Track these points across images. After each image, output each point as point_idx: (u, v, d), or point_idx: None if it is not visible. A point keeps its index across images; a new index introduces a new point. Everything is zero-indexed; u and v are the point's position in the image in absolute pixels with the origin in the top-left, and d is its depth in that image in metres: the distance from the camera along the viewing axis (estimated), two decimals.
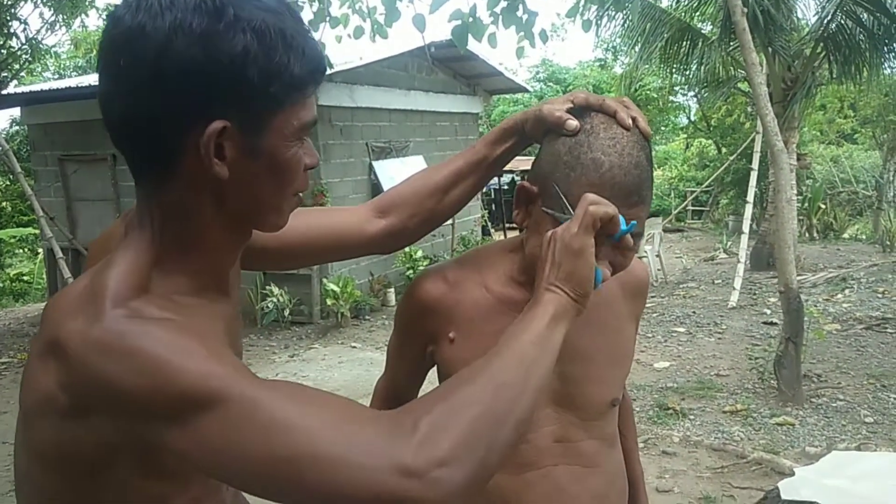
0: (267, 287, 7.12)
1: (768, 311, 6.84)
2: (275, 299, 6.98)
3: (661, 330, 6.41)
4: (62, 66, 16.59)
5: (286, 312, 7.06)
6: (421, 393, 1.27)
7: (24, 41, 7.53)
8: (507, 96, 16.28)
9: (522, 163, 9.54)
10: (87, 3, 7.98)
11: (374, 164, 7.92)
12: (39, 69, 14.69)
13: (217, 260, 0.83)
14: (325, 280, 7.10)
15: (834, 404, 4.43)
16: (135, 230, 0.79)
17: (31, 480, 0.79)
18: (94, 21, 11.99)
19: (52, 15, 7.66)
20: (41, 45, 8.03)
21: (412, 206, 1.11)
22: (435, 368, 1.19)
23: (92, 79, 9.18)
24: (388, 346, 1.26)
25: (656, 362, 5.50)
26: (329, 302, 6.97)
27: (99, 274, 0.74)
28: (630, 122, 0.97)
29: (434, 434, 0.69)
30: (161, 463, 0.72)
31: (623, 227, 0.91)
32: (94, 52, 14.69)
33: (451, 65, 9.24)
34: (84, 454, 0.72)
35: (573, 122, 0.98)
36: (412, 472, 0.66)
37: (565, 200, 0.94)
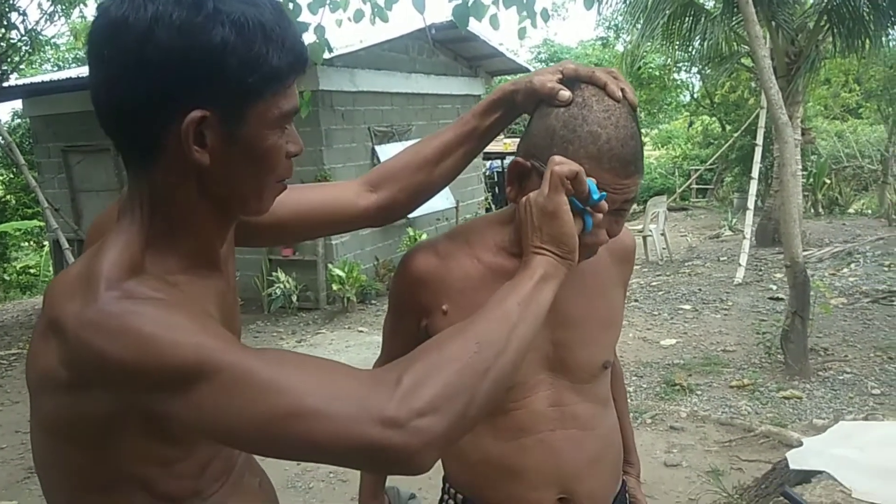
0: (273, 274, 7.15)
1: (774, 287, 6.83)
2: (281, 286, 7.01)
3: (666, 308, 6.42)
4: (62, 57, 16.55)
5: (293, 298, 7.09)
6: None
7: (23, 32, 7.50)
8: (509, 77, 16.21)
9: None
10: None
11: (377, 148, 7.90)
12: (39, 61, 14.67)
13: (205, 241, 0.86)
14: (330, 266, 7.11)
15: (841, 377, 4.44)
16: (126, 214, 0.82)
17: (45, 453, 0.82)
18: (92, 11, 11.94)
19: (51, 5, 7.62)
20: (40, 37, 8.00)
21: (403, 179, 1.12)
22: None
23: None
24: (384, 326, 1.28)
25: (663, 339, 5.51)
26: (335, 287, 6.99)
27: (93, 257, 0.78)
28: (620, 93, 0.99)
29: (415, 387, 0.73)
30: (166, 429, 0.75)
31: (595, 194, 0.93)
32: None
33: (451, 46, 9.19)
34: (90, 423, 0.75)
35: (566, 93, 0.99)
36: (394, 423, 0.70)
37: None
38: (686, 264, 8.41)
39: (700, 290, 6.98)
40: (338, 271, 6.96)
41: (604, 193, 0.94)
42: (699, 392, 4.35)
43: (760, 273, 7.56)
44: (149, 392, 0.70)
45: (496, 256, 1.11)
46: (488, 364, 0.78)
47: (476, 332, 0.81)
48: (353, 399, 0.71)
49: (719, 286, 7.10)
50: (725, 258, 8.50)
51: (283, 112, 0.80)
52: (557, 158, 0.93)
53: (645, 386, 4.52)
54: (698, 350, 5.20)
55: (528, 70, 12.01)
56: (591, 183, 0.92)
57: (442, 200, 8.56)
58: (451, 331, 0.83)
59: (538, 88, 1.01)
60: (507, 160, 13.30)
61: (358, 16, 4.02)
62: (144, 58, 0.73)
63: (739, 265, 7.31)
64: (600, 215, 0.95)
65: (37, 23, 7.65)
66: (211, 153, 0.77)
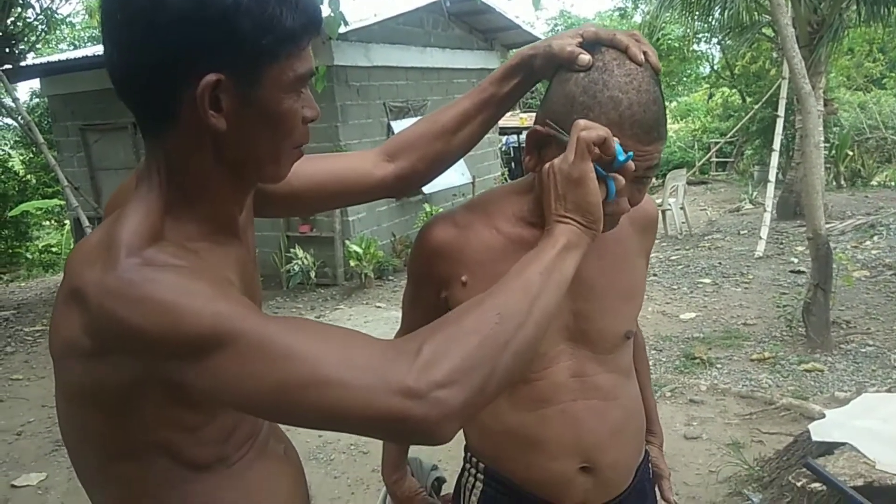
0: (291, 250, 7.17)
1: (795, 260, 6.75)
2: (300, 262, 7.04)
3: (686, 281, 6.37)
4: (77, 36, 16.58)
5: (311, 275, 7.12)
6: None
7: (38, 11, 7.51)
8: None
9: None
10: None
11: (392, 123, 7.86)
12: (55, 40, 14.70)
13: (223, 207, 0.85)
14: (347, 242, 7.13)
15: (863, 350, 4.40)
16: (144, 182, 0.82)
17: (71, 422, 0.82)
18: None
19: None
20: (56, 15, 8.02)
21: (421, 148, 1.11)
22: None
23: None
24: (403, 300, 1.27)
25: (682, 313, 5.48)
26: (352, 263, 7.01)
27: (113, 224, 0.77)
28: (642, 56, 0.96)
29: (435, 358, 0.72)
30: (187, 395, 0.74)
31: (620, 156, 0.90)
32: None
33: (466, 19, 9.08)
34: (113, 390, 0.75)
35: (585, 57, 0.96)
36: (413, 393, 0.70)
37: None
38: (706, 238, 8.33)
39: (720, 263, 6.92)
40: (355, 247, 6.97)
41: (630, 153, 0.91)
42: (719, 365, 4.33)
43: (781, 246, 7.47)
44: (167, 360, 0.70)
45: (515, 226, 1.10)
46: (509, 336, 0.77)
47: (496, 303, 0.80)
48: (373, 369, 0.71)
49: (739, 260, 7.03)
50: (746, 232, 8.41)
51: (299, 75, 0.79)
52: (583, 123, 0.90)
53: (664, 360, 4.50)
54: (718, 324, 5.17)
55: None
56: (616, 145, 0.90)
57: (458, 176, 8.53)
58: (472, 302, 0.82)
59: (557, 53, 0.98)
60: (524, 135, 13.18)
61: None
62: (157, 21, 0.72)
63: (760, 238, 7.23)
64: (623, 181, 0.93)
65: (52, 1, 7.65)
66: (227, 118, 0.76)
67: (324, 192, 1.10)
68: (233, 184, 0.84)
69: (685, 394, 3.95)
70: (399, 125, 7.87)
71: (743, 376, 4.15)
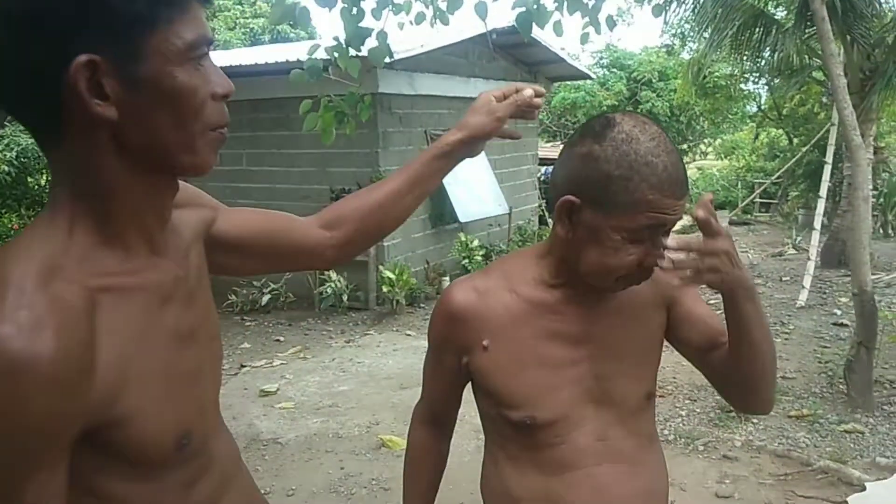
0: (325, 272, 7.21)
1: (839, 312, 6.55)
2: (332, 285, 7.06)
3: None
4: None
5: (343, 298, 7.14)
6: (459, 416, 1.27)
7: None
8: (569, 83, 16.00)
9: None
10: None
11: None
12: None
13: (140, 219, 0.77)
14: (381, 267, 7.14)
15: None
16: (48, 206, 0.75)
17: None
18: None
19: None
20: None
21: (357, 221, 1.13)
22: (470, 387, 1.20)
23: None
24: (424, 367, 1.27)
25: None
26: (385, 289, 7.01)
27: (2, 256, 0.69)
28: (539, 98, 1.15)
29: None
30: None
31: None
32: None
33: (512, 51, 9.11)
34: None
35: (516, 133, 1.23)
36: None
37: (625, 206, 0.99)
38: None
39: None
40: (388, 273, 6.98)
41: None
42: (755, 420, 4.19)
43: (825, 296, 7.27)
44: None
45: (535, 290, 1.12)
46: None
47: None
48: None
49: (781, 308, 6.84)
50: (788, 278, 8.20)
51: (188, 42, 0.71)
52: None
53: (699, 410, 4.38)
54: None
55: (590, 76, 11.85)
56: None
57: (495, 206, 8.50)
58: None
59: (478, 135, 1.13)
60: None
61: (419, 18, 4.01)
62: (9, 11, 0.65)
63: (803, 287, 7.04)
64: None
65: None
66: (116, 105, 0.68)
67: (261, 244, 1.06)
68: (146, 186, 0.75)
69: (719, 448, 3.83)
70: None
71: (780, 433, 4.01)
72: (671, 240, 0.99)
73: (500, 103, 1.16)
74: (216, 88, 0.75)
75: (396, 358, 5.71)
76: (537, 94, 1.16)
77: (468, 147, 1.16)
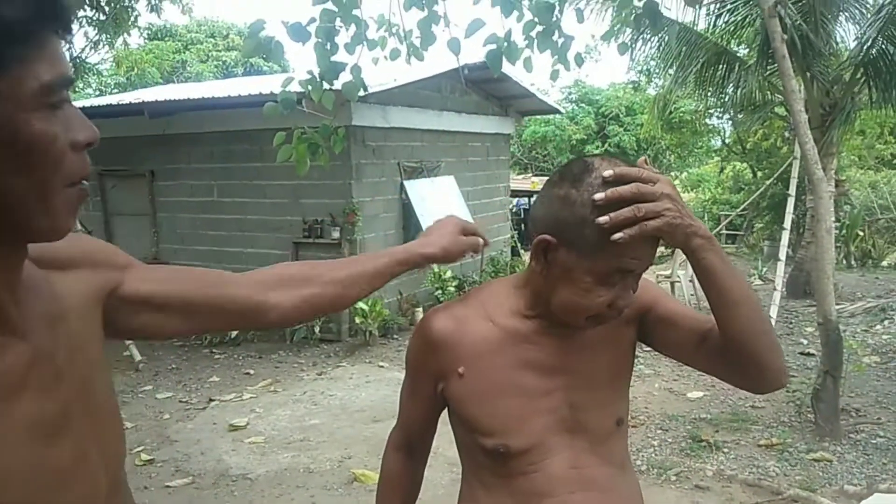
0: None
1: (805, 342, 6.68)
2: None
3: None
4: (103, 82, 17.00)
5: (315, 329, 7.08)
6: (434, 443, 1.28)
7: (69, 59, 7.73)
8: (539, 117, 16.27)
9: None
10: (129, 23, 8.18)
11: (406, 183, 7.94)
12: (81, 86, 15.07)
13: None
14: None
15: (874, 441, 4.30)
16: None
17: None
18: (135, 40, 12.27)
19: (97, 34, 7.85)
20: (85, 63, 8.23)
21: (307, 290, 1.08)
22: (446, 412, 1.21)
23: (132, 96, 9.38)
24: (400, 393, 1.28)
25: (690, 391, 5.39)
26: (358, 320, 6.98)
27: None
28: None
29: None
30: None
31: None
32: (135, 69, 15.03)
33: (483, 86, 9.26)
34: None
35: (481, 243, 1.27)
36: None
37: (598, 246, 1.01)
38: None
39: None
40: (361, 304, 6.94)
41: None
42: (726, 450, 4.23)
43: (791, 326, 7.40)
44: None
45: (511, 319, 1.14)
46: None
47: None
48: None
49: None
50: None
51: (45, 84, 0.61)
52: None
53: (670, 440, 4.41)
54: (726, 404, 5.07)
55: (559, 111, 12.06)
56: None
57: None
58: None
59: (446, 261, 1.21)
60: (534, 198, 13.30)
61: (394, 55, 4.06)
62: None
63: (769, 317, 7.16)
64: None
65: (82, 50, 7.88)
66: None
67: (187, 300, 0.94)
68: None
69: (691, 478, 3.85)
70: (412, 185, 7.94)
71: (750, 462, 4.05)
72: (607, 171, 0.99)
73: (465, 239, 1.24)
74: (77, 136, 0.65)
75: (369, 390, 5.66)
76: (484, 245, 1.29)
77: (437, 261, 1.23)
